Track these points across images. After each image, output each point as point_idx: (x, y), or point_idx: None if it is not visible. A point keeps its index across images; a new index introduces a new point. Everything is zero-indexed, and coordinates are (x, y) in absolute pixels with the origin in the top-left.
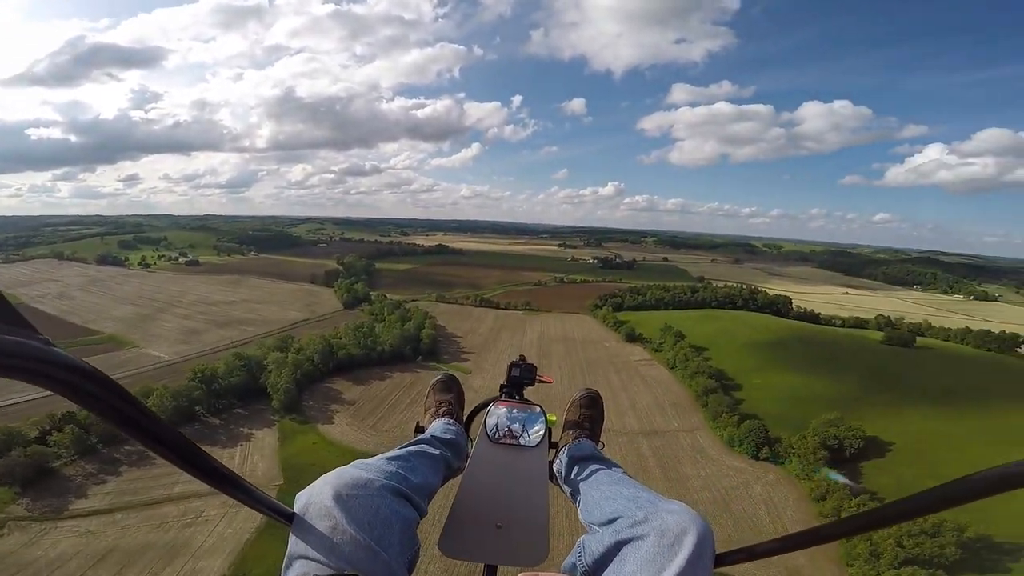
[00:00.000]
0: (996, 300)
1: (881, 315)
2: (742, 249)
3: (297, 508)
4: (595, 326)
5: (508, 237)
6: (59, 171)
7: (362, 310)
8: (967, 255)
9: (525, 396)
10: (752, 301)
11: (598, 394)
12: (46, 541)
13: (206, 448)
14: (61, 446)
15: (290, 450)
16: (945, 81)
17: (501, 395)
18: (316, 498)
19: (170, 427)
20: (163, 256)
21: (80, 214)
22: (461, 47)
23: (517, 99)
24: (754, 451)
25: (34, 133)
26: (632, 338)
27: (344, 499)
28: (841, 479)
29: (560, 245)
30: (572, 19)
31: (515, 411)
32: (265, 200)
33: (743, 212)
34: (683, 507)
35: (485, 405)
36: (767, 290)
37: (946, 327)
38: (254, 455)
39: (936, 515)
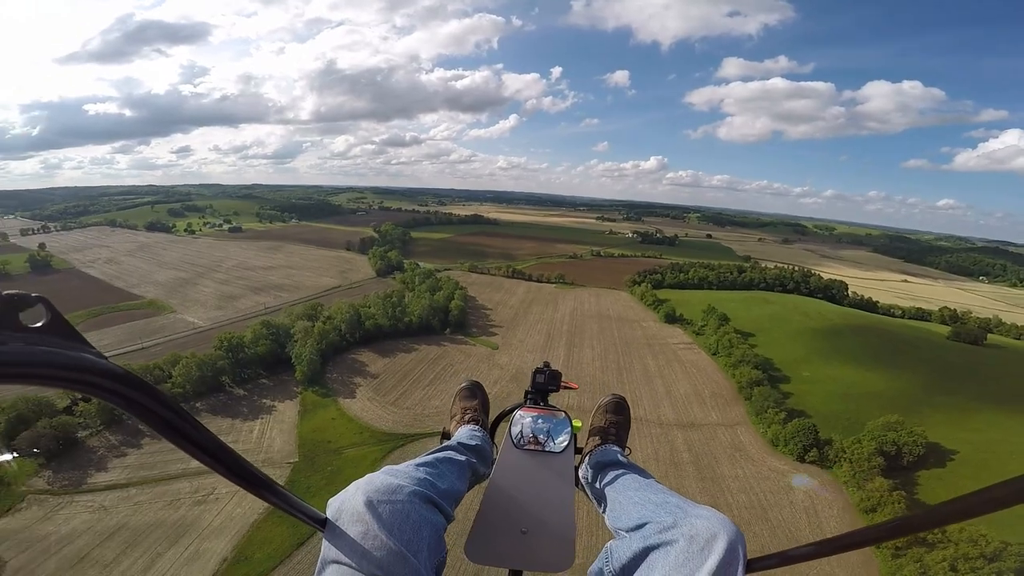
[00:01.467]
0: None
1: (946, 307)
2: (791, 229)
3: (329, 514)
4: (632, 304)
5: (544, 208)
6: (117, 144)
7: (394, 278)
8: None
9: (550, 402)
10: (804, 284)
11: (624, 400)
12: (60, 516)
13: (228, 421)
14: (88, 416)
15: (309, 425)
16: None
17: (526, 401)
18: (348, 504)
19: (212, 434)
20: (208, 223)
21: (136, 184)
22: (499, 17)
23: (557, 70)
24: (800, 452)
25: (91, 108)
26: (672, 319)
27: (375, 505)
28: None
29: (598, 218)
30: None
31: (540, 417)
32: (309, 170)
33: (794, 191)
34: (713, 512)
35: (510, 411)
36: (820, 273)
37: (1018, 324)
38: (273, 429)
39: (998, 537)
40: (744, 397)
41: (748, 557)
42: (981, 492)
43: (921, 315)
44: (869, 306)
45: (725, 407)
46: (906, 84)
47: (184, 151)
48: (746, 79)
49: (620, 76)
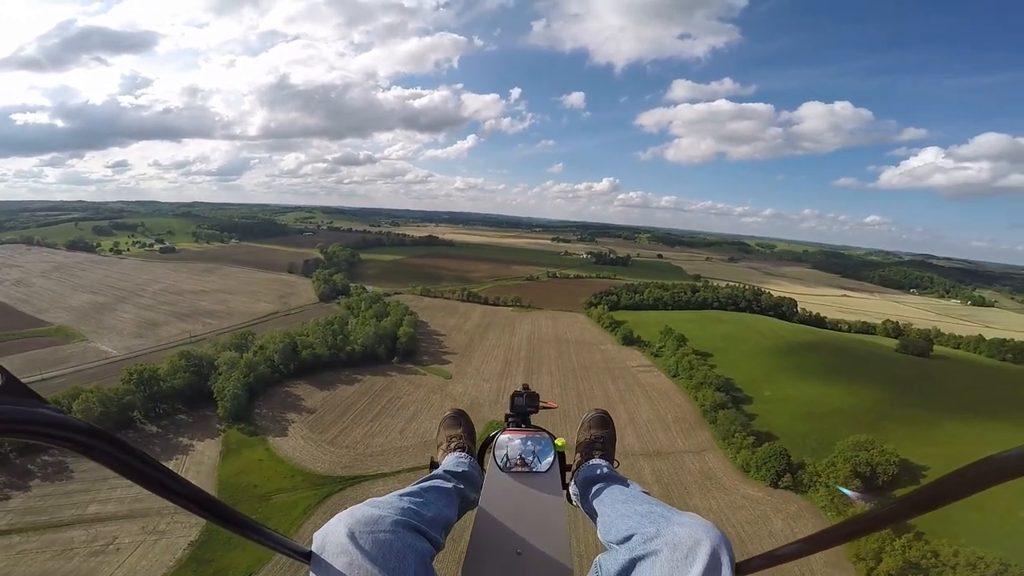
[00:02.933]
0: (992, 306)
1: (888, 320)
2: (736, 248)
3: (314, 547)
4: (589, 326)
5: (500, 230)
6: (46, 157)
7: (339, 303)
8: (957, 259)
9: (532, 423)
10: (756, 302)
11: (607, 414)
12: None
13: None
14: None
15: (232, 467)
16: (948, 85)
17: (507, 424)
18: (331, 537)
19: (181, 477)
20: (137, 242)
21: (65, 200)
22: (461, 37)
23: (516, 91)
24: (774, 478)
25: (20, 118)
26: (630, 341)
27: (357, 536)
28: (851, 494)
29: (553, 239)
30: (575, 11)
31: (524, 439)
32: (256, 188)
33: (736, 211)
34: (695, 518)
35: (493, 437)
36: (770, 291)
37: (956, 334)
38: (189, 471)
39: (996, 557)
40: (709, 421)
41: (736, 560)
42: (952, 476)
43: (867, 329)
44: (818, 321)
45: (690, 432)
46: (838, 104)
47: (120, 166)
48: (693, 101)
49: (576, 98)
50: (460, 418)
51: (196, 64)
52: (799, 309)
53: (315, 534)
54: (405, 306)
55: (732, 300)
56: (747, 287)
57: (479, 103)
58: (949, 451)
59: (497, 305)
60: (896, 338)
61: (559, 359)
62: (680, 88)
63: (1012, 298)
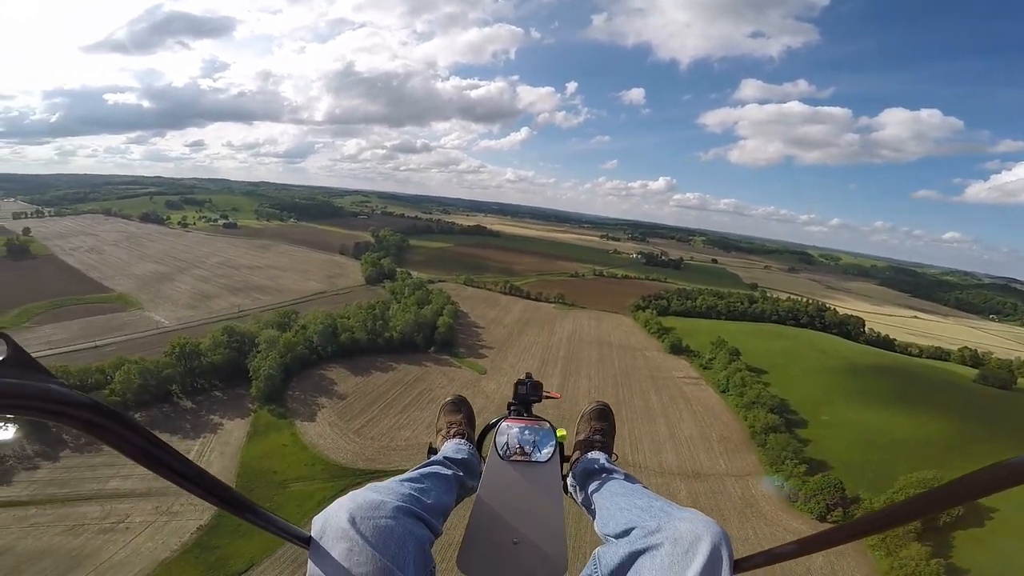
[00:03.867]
0: None
1: (966, 347)
2: (797, 257)
3: (314, 532)
4: (635, 330)
5: (548, 224)
6: (132, 135)
7: (384, 287)
8: None
9: (534, 413)
10: (819, 319)
11: (608, 406)
12: None
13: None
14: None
15: (256, 450)
16: None
17: (509, 413)
18: (332, 522)
19: (186, 458)
20: (204, 217)
21: (145, 175)
22: (519, 28)
23: (572, 85)
24: (823, 511)
25: (111, 98)
26: (678, 349)
27: (358, 522)
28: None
29: (602, 236)
30: (638, 5)
31: (525, 428)
32: (319, 171)
33: (800, 218)
34: (697, 514)
35: (495, 424)
36: (836, 307)
37: None
38: (214, 451)
39: None
40: (757, 444)
41: (735, 557)
42: (954, 483)
43: (940, 355)
44: (886, 344)
45: (735, 454)
46: (924, 112)
47: (197, 145)
48: (763, 102)
49: (635, 94)
50: (461, 404)
51: (270, 50)
52: (866, 329)
53: (315, 518)
54: (447, 295)
55: (792, 314)
56: (810, 301)
57: (534, 95)
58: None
59: (539, 300)
60: (974, 367)
61: (599, 363)
62: (749, 88)
63: None
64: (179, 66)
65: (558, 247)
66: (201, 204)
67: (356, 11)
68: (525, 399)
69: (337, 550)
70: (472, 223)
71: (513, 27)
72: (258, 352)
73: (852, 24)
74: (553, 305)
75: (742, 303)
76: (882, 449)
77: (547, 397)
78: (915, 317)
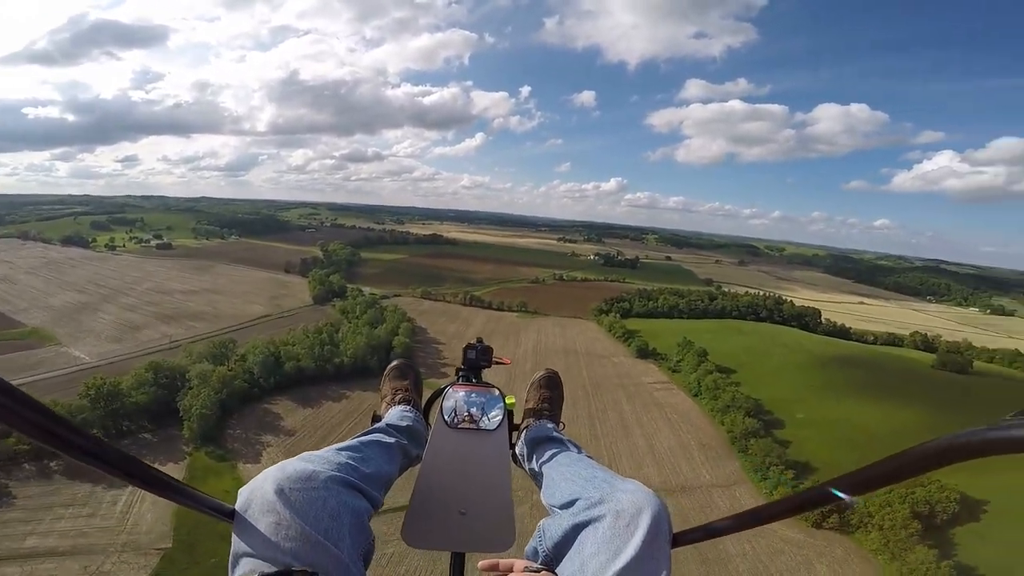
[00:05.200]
0: (1013, 315)
1: (917, 332)
2: (744, 250)
3: (238, 505)
4: (600, 335)
5: (506, 229)
6: (57, 151)
7: (333, 306)
8: (967, 264)
9: (483, 379)
10: (778, 312)
11: (557, 374)
12: None
13: (85, 487)
14: None
15: None
16: (969, 87)
17: (458, 378)
18: (258, 493)
19: (83, 430)
20: (134, 238)
21: (73, 194)
22: (472, 34)
23: (526, 90)
24: (818, 519)
25: (31, 112)
26: (644, 353)
27: (287, 493)
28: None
29: (560, 239)
30: (588, 7)
31: (473, 395)
32: (264, 184)
33: (744, 213)
34: (638, 486)
35: (443, 390)
36: (792, 299)
37: (988, 347)
38: (144, 501)
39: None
40: (738, 449)
41: (674, 531)
42: (895, 458)
43: (894, 340)
44: (843, 333)
45: (717, 462)
46: (855, 106)
47: (130, 160)
48: (706, 101)
49: (586, 96)
50: (407, 369)
51: (207, 59)
52: (822, 319)
53: (240, 490)
54: (403, 312)
55: (752, 309)
56: (768, 295)
57: (488, 101)
58: (1009, 481)
59: (501, 310)
60: (926, 351)
61: (568, 373)
62: (693, 88)
63: None
64: (107, 77)
65: (517, 252)
66: (131, 224)
67: (300, 18)
68: (475, 364)
69: (263, 523)
70: (428, 232)
71: (467, 32)
72: (189, 389)
73: (788, 23)
74: (516, 314)
75: (702, 301)
76: (862, 447)
77: (497, 363)
78: (861, 303)
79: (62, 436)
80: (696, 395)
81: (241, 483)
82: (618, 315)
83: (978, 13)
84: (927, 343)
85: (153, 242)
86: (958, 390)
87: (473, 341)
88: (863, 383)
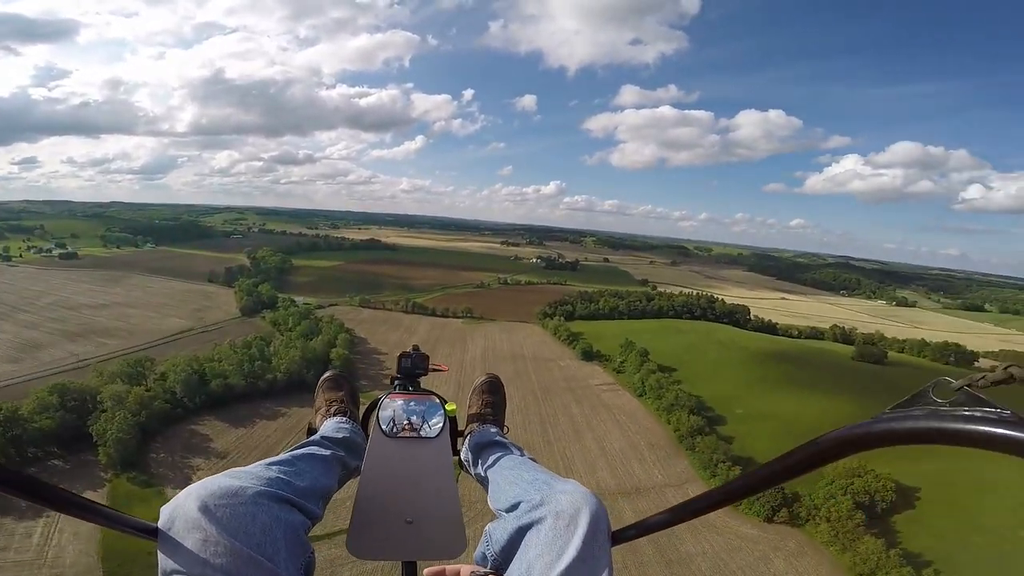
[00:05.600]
0: (914, 306)
1: (836, 325)
2: (676, 251)
3: (161, 523)
4: (546, 339)
5: (448, 233)
6: None
7: (263, 317)
8: (872, 260)
9: (422, 387)
10: (711, 310)
11: (498, 378)
12: None
13: None
14: None
15: None
16: (873, 94)
17: (394, 387)
18: (181, 511)
19: None
20: (33, 247)
21: None
22: (415, 35)
23: (469, 93)
24: (769, 513)
25: None
26: (589, 355)
27: (212, 509)
28: None
29: (503, 243)
30: (532, 12)
31: (411, 403)
32: (184, 188)
33: (674, 215)
34: (576, 486)
35: (379, 400)
36: (723, 298)
37: (898, 338)
38: (64, 532)
39: None
40: (686, 447)
41: (612, 529)
42: (788, 455)
43: (816, 334)
44: (770, 328)
45: (667, 461)
46: (772, 112)
47: (29, 162)
48: (639, 107)
49: (528, 100)
50: (341, 380)
51: (121, 56)
52: (751, 316)
53: (162, 508)
54: (340, 322)
55: (687, 308)
56: (701, 294)
57: (430, 103)
58: (937, 468)
59: (446, 316)
60: (844, 343)
61: (517, 379)
62: (628, 94)
63: (929, 297)
64: (3, 73)
65: (460, 257)
66: (30, 231)
67: (228, 15)
68: (410, 372)
69: (190, 541)
70: (365, 237)
71: (409, 34)
72: (103, 412)
73: (716, 31)
74: (461, 320)
75: (640, 301)
76: (799, 437)
77: (434, 370)
78: (783, 298)
79: None
80: (641, 395)
81: None
82: (562, 318)
83: (886, 21)
84: (845, 336)
85: (56, 251)
86: (877, 380)
87: (408, 349)
88: (793, 377)
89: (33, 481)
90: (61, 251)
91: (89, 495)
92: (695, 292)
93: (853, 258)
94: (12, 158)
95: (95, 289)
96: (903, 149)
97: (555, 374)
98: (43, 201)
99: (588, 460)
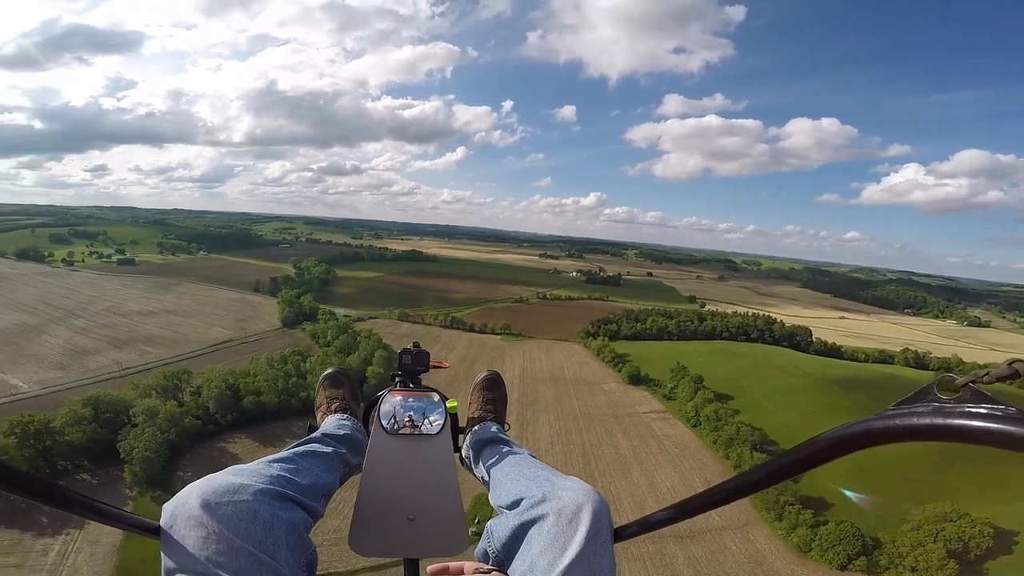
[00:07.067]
0: (988, 326)
1: (908, 349)
2: (723, 265)
3: (163, 521)
4: (588, 360)
5: (487, 244)
6: (24, 159)
7: (303, 329)
8: (936, 276)
9: (423, 383)
10: (769, 332)
11: (499, 375)
12: None
13: (13, 535)
14: None
15: (137, 551)
16: (934, 100)
17: (395, 384)
18: (183, 509)
19: None
20: (94, 253)
21: (38, 203)
22: (455, 47)
23: (508, 104)
24: (844, 562)
25: None
26: (637, 379)
27: (214, 507)
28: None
29: (541, 255)
30: (571, 21)
31: (411, 399)
32: (239, 197)
33: (720, 227)
34: (578, 482)
35: (379, 397)
36: (781, 318)
37: (979, 363)
38: (80, 552)
39: None
40: None
41: (614, 526)
42: (793, 451)
43: (885, 358)
44: (834, 351)
45: None
46: (825, 121)
47: (100, 170)
48: (684, 116)
49: (567, 111)
50: (342, 377)
51: (182, 67)
52: (814, 339)
53: (164, 506)
54: (378, 337)
55: (743, 330)
56: (757, 315)
57: (470, 115)
58: None
59: (484, 332)
60: (917, 368)
61: (557, 403)
62: (672, 103)
63: (1003, 317)
64: (78, 84)
65: (499, 269)
66: (93, 237)
67: (280, 27)
68: (411, 369)
69: (191, 539)
70: (407, 247)
71: (449, 45)
72: (134, 426)
73: (763, 38)
74: (500, 337)
75: (692, 321)
76: (875, 477)
77: (435, 367)
78: (843, 317)
79: None
80: (695, 425)
81: None
82: (606, 338)
83: (940, 29)
84: (918, 360)
85: (114, 257)
86: None
87: (409, 346)
88: (866, 408)
89: (35, 480)
90: (120, 257)
91: None
92: (750, 312)
93: (916, 273)
94: (85, 165)
95: (147, 296)
96: (969, 157)
97: (599, 399)
98: (110, 207)
99: (636, 497)
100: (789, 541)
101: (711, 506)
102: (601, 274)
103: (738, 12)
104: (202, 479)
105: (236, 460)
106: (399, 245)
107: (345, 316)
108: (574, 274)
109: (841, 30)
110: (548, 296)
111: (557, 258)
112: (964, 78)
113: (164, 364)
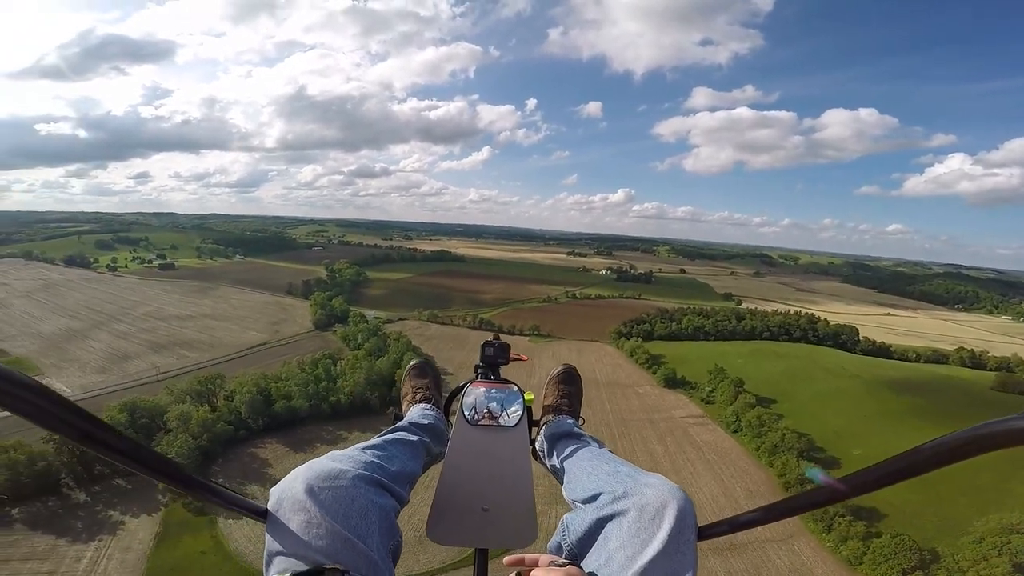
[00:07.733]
0: None
1: (962, 347)
2: (759, 260)
3: (270, 505)
4: (621, 361)
5: (514, 243)
6: (71, 167)
7: (335, 332)
8: (987, 269)
9: (501, 376)
10: (812, 332)
11: (575, 369)
12: None
13: (48, 539)
14: None
15: (166, 558)
16: (980, 89)
17: (476, 376)
18: (288, 493)
19: (124, 435)
20: (136, 258)
21: (86, 210)
22: (477, 47)
23: (532, 102)
24: None
25: (43, 128)
26: (673, 382)
27: (316, 491)
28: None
29: (569, 253)
30: (592, 16)
31: (492, 391)
32: (274, 200)
33: (754, 221)
34: (662, 480)
35: (462, 388)
36: (825, 316)
37: None
38: (112, 559)
39: None
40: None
41: (699, 525)
42: (909, 454)
43: (938, 357)
44: (883, 351)
45: None
46: (863, 111)
47: (142, 177)
48: (713, 109)
49: (593, 107)
50: (427, 368)
51: (214, 75)
52: (861, 338)
53: (272, 490)
54: (408, 340)
55: (784, 329)
56: (799, 313)
57: (494, 114)
58: None
59: (513, 334)
60: (974, 368)
61: (589, 407)
62: (700, 96)
63: None
64: (117, 93)
65: (527, 268)
66: (136, 243)
67: (306, 32)
68: (492, 361)
69: (295, 522)
70: (435, 248)
71: (472, 45)
72: (168, 431)
73: (794, 28)
74: (528, 338)
75: (729, 320)
76: (934, 488)
77: (515, 359)
78: (889, 314)
79: (101, 439)
80: (736, 431)
81: (220, 544)
82: (639, 338)
83: (986, 13)
84: (975, 359)
85: (156, 262)
86: None
87: (491, 338)
88: (921, 411)
89: (166, 461)
90: (160, 262)
91: (143, 520)
92: (790, 310)
93: (964, 266)
94: (129, 173)
95: (185, 300)
96: (1020, 146)
97: (633, 403)
98: (152, 213)
99: None
100: (838, 554)
101: (808, 508)
102: (632, 272)
103: (766, 1)
104: (305, 464)
105: (266, 466)
106: (428, 246)
107: (375, 318)
108: (604, 272)
109: (876, 17)
110: (577, 295)
111: (586, 256)
112: (1012, 65)
113: (200, 368)
